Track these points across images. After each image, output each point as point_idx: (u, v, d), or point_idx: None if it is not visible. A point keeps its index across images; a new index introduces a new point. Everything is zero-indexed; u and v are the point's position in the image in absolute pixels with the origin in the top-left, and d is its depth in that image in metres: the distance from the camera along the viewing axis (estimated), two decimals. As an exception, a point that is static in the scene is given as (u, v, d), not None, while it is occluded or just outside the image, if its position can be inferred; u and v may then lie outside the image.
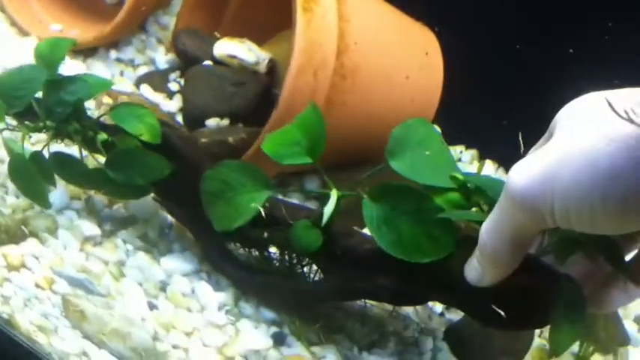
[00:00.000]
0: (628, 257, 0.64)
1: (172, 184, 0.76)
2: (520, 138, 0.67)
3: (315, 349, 0.75)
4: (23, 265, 0.73)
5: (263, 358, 0.73)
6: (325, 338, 0.76)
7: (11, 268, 0.73)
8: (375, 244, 0.67)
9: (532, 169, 0.54)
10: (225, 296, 0.77)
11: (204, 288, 0.77)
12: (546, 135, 0.61)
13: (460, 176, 0.67)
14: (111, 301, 0.72)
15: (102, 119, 0.77)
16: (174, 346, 0.71)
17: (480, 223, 0.61)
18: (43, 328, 0.68)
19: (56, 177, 0.78)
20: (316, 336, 0.76)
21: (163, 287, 0.77)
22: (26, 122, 0.76)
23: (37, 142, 0.85)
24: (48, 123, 0.75)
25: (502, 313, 0.64)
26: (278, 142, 0.72)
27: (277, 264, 0.76)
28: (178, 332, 0.73)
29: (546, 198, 0.53)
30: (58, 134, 0.76)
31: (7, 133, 0.78)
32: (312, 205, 0.93)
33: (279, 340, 0.74)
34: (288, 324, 0.76)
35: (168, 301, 0.76)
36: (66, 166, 0.77)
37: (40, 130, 0.77)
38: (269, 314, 0.76)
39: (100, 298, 0.72)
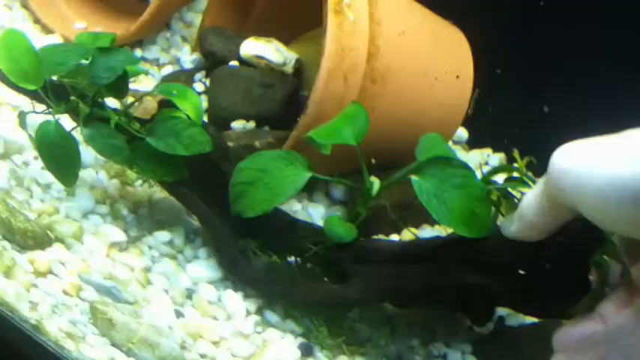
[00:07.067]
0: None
1: (201, 176, 0.76)
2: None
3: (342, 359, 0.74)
4: (50, 272, 0.73)
5: (291, 369, 0.72)
6: (351, 350, 0.75)
7: (38, 274, 0.72)
8: (401, 245, 0.73)
9: (577, 157, 0.57)
10: (250, 304, 0.76)
11: (230, 296, 0.76)
12: None
13: None
14: (138, 309, 0.72)
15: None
16: (202, 356, 0.71)
17: None
18: (72, 335, 0.67)
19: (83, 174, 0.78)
20: (342, 348, 0.75)
21: (189, 295, 0.76)
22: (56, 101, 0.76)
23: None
24: (81, 105, 0.75)
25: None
26: (322, 132, 0.76)
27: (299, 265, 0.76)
28: (206, 341, 0.72)
29: (580, 188, 0.57)
30: (90, 117, 0.75)
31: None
32: (336, 210, 0.92)
33: (306, 352, 0.73)
34: (314, 332, 0.75)
35: (195, 309, 0.75)
36: (100, 137, 0.75)
37: (71, 112, 0.76)
38: (295, 326, 0.76)
39: (128, 305, 0.72)
